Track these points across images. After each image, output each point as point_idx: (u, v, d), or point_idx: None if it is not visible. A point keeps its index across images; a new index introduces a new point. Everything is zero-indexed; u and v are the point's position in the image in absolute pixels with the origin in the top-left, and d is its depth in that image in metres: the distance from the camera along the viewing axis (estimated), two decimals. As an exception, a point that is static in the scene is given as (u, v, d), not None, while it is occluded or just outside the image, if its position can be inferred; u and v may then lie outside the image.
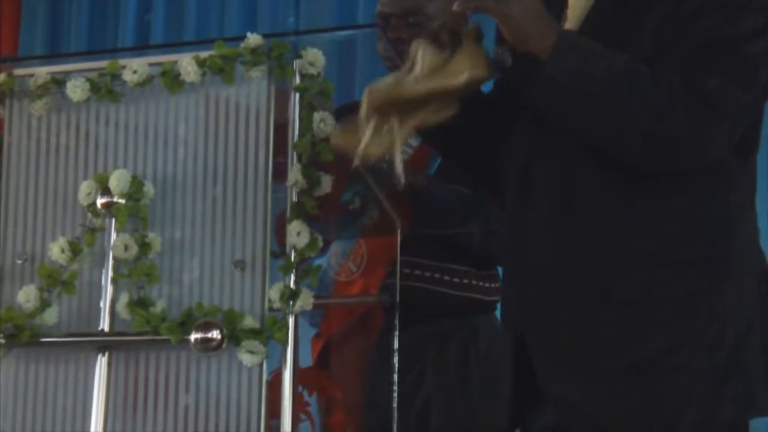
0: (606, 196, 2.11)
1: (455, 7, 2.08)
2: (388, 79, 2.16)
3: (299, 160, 2.33)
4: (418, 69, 2.13)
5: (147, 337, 2.30)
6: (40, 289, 2.37)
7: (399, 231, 2.75)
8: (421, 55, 2.14)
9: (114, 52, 2.59)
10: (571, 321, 2.09)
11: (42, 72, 2.48)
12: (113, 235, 2.35)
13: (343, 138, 2.19)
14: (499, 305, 3.13)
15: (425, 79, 2.12)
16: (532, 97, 2.12)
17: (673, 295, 2.07)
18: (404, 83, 2.13)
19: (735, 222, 2.14)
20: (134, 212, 2.34)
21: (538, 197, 2.16)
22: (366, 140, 2.12)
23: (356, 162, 2.13)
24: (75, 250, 2.37)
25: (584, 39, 2.11)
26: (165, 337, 2.28)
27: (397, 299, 2.73)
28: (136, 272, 2.31)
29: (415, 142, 3.04)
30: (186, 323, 2.28)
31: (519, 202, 2.20)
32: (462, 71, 2.11)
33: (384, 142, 2.15)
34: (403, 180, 2.11)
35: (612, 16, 2.16)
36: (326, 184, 2.34)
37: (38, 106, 2.46)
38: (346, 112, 3.20)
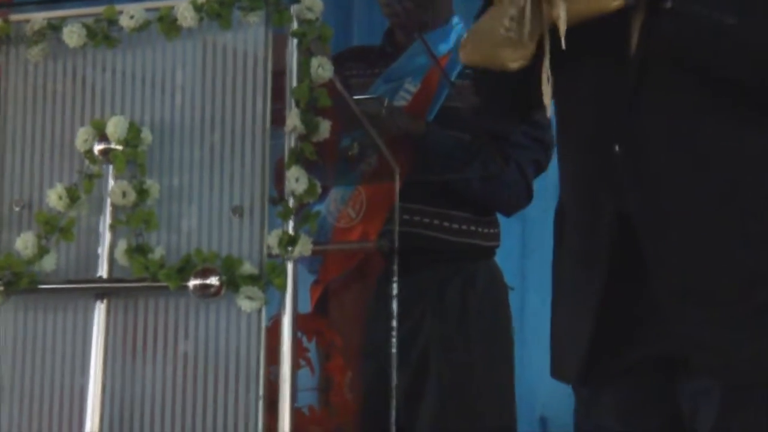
0: (725, 132, 2.08)
1: None
2: None
3: (297, 105, 2.32)
4: None
5: (145, 283, 2.29)
6: (38, 236, 2.37)
7: (398, 177, 2.74)
8: None
9: (110, -4, 2.56)
10: (706, 260, 2.06)
11: (38, 18, 2.46)
12: (111, 182, 2.34)
13: (474, 52, 2.17)
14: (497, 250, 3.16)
15: None
16: (660, 32, 2.08)
17: None
18: None
19: None
20: (132, 159, 2.33)
21: (652, 141, 2.11)
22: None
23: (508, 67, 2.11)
24: (73, 196, 2.36)
25: None
26: (163, 283, 2.28)
27: (396, 245, 2.73)
28: (134, 219, 2.31)
29: (413, 88, 3.03)
30: (184, 269, 2.28)
31: (623, 147, 2.13)
32: None
33: (521, 52, 2.13)
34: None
35: None
36: (325, 129, 2.32)
37: (35, 53, 2.45)
38: (344, 59, 3.21)
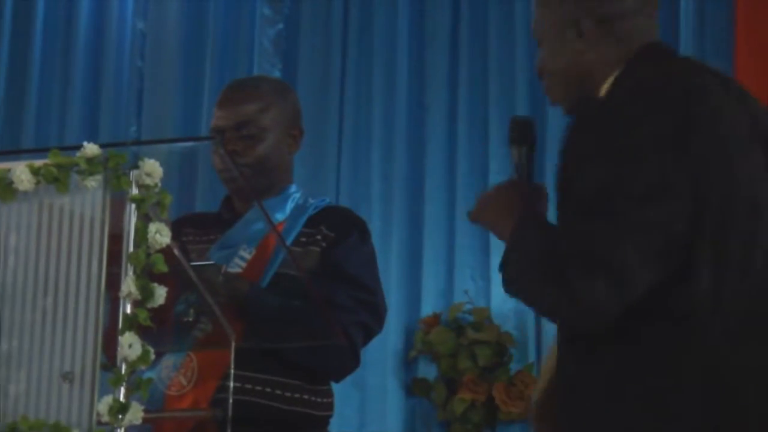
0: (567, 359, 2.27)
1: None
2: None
3: (133, 271, 2.31)
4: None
5: (-31, 451, 2.24)
6: None
7: (233, 344, 2.73)
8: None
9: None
10: None
11: None
12: (-64, 346, 2.29)
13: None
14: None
15: None
16: None
17: None
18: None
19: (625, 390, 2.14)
20: (-41, 323, 2.29)
21: None
22: None
23: None
24: None
25: (533, 223, 2.29)
26: (-13, 451, 2.22)
27: (230, 414, 2.71)
28: (-42, 384, 2.26)
29: (248, 254, 3.04)
30: (10, 437, 2.23)
31: None
32: None
33: None
34: None
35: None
36: (160, 295, 2.31)
37: None
38: (182, 224, 3.21)
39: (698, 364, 2.09)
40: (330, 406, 3.09)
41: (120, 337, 2.28)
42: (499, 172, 4.93)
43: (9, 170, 2.37)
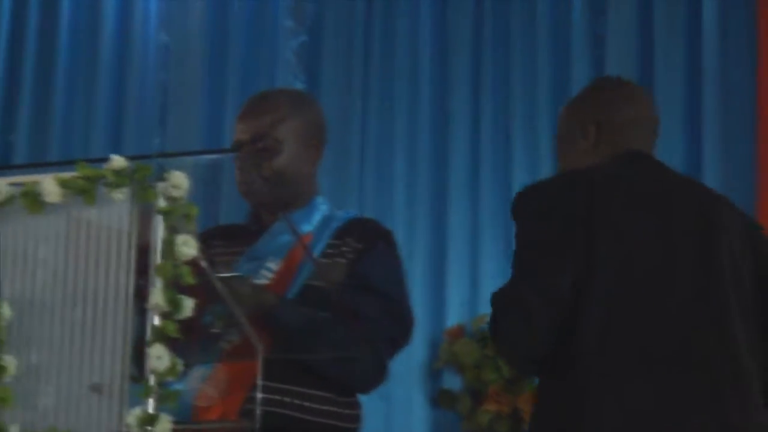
0: None
1: None
2: None
3: (161, 282, 2.31)
4: None
5: (-1, 463, 2.24)
6: None
7: (260, 356, 2.73)
8: None
9: (-25, 172, 2.55)
10: None
11: None
12: (-33, 358, 2.30)
13: None
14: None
15: None
16: None
17: None
18: None
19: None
20: (-10, 334, 2.30)
21: None
22: None
23: None
24: (-74, 373, 2.30)
25: None
26: (17, 463, 2.22)
27: (258, 425, 2.71)
28: (-11, 396, 2.26)
29: (275, 266, 3.04)
30: (40, 449, 2.23)
31: None
32: None
33: None
34: None
35: None
36: (188, 307, 2.32)
37: None
38: (210, 236, 3.21)
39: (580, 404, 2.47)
40: (357, 418, 3.08)
41: (148, 349, 2.28)
42: (522, 180, 4.93)
43: (37, 183, 2.38)
